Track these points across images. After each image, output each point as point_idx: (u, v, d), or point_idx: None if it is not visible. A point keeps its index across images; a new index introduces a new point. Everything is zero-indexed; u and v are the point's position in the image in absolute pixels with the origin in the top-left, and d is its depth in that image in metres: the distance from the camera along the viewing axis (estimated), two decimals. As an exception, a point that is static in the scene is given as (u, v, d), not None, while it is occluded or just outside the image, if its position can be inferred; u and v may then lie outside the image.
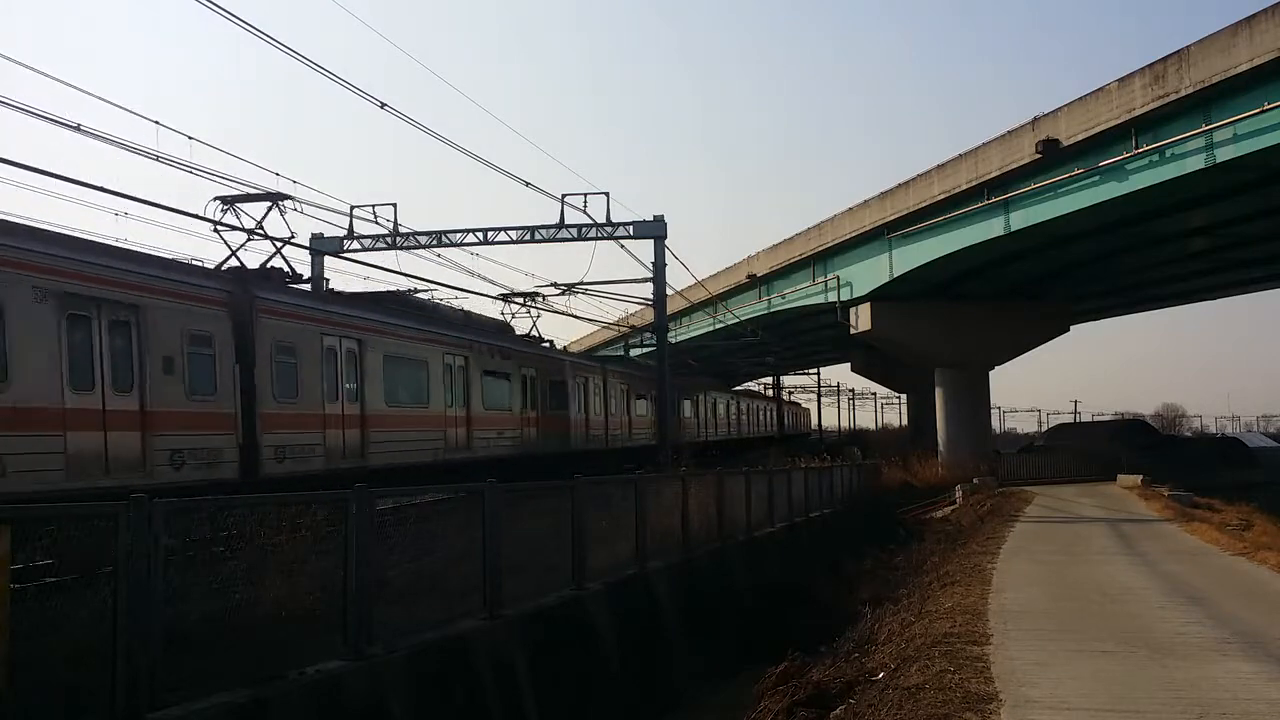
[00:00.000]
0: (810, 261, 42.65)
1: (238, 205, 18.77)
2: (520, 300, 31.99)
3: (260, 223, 18.84)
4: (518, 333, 30.15)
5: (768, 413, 64.91)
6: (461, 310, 26.04)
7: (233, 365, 15.03)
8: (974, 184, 31.59)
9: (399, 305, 21.69)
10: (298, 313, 17.03)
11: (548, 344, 31.08)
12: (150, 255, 15.38)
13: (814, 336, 56.30)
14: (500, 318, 31.01)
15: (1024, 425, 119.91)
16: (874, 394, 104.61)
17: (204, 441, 14.32)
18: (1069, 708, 7.41)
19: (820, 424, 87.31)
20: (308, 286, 19.57)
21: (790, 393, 79.91)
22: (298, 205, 19.95)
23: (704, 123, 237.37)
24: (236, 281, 16.12)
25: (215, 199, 18.69)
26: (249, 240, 19.02)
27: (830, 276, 41.50)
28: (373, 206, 29.45)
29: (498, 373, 24.45)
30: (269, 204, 18.94)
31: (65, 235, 13.86)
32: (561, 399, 28.62)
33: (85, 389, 12.48)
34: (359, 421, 18.15)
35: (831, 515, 28.03)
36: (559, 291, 34.46)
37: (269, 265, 18.48)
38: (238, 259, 18.49)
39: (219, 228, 18.44)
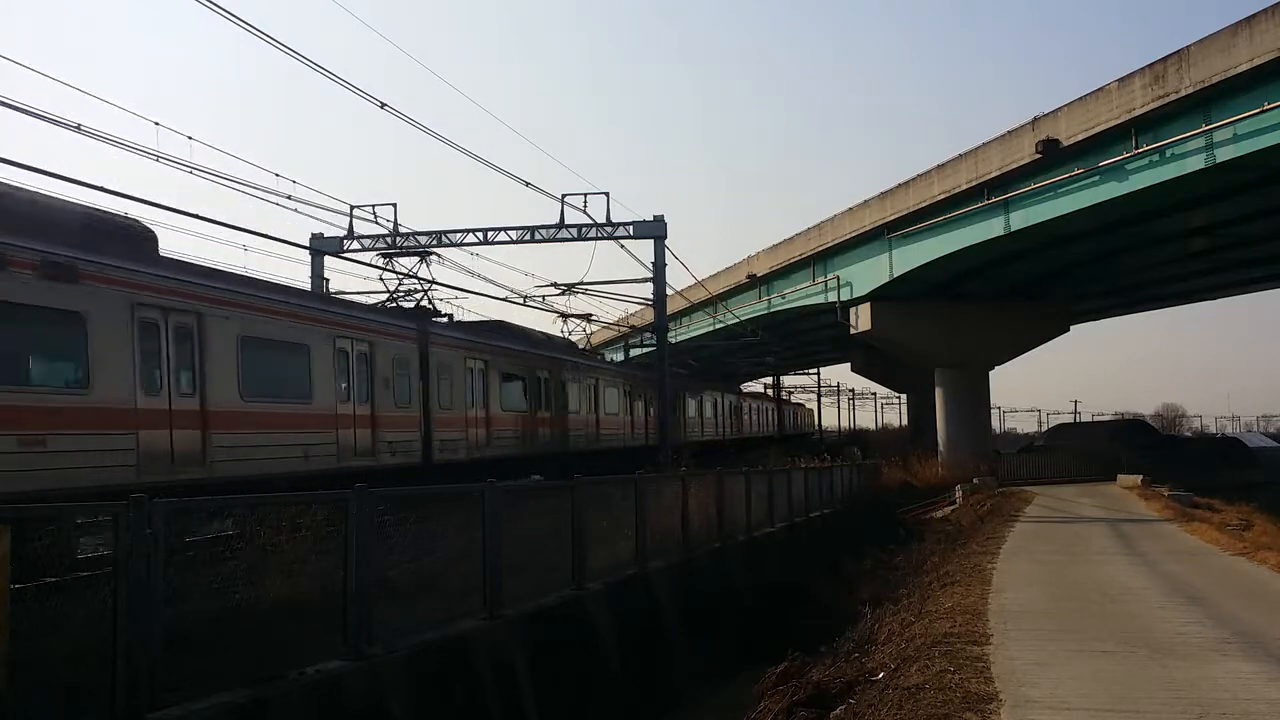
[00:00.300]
0: (810, 261, 42.65)
1: (394, 258, 26.97)
2: (579, 319, 36.73)
3: (413, 271, 25.89)
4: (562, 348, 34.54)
5: (767, 413, 64.93)
6: (543, 334, 31.11)
7: (418, 382, 20.39)
8: (974, 184, 31.59)
9: (496, 330, 26.80)
10: (451, 342, 22.35)
11: (600, 356, 37.48)
12: (374, 305, 22.71)
13: (814, 336, 56.30)
14: (560, 335, 35.65)
15: (1024, 425, 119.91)
16: (874, 394, 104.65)
17: (404, 436, 19.71)
18: (1069, 708, 7.41)
19: (820, 424, 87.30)
20: (446, 319, 24.68)
21: (790, 393, 79.91)
22: (440, 258, 27.39)
23: (704, 123, 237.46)
24: (415, 320, 21.87)
25: (379, 253, 27.38)
26: (401, 285, 25.80)
27: (830, 276, 41.50)
28: (373, 206, 29.51)
29: (572, 383, 29.95)
30: (419, 257, 26.56)
31: (336, 296, 21.72)
32: (615, 403, 34.13)
33: (344, 400, 17.88)
34: (485, 422, 23.41)
35: (831, 515, 28.02)
36: (559, 291, 34.49)
37: (422, 303, 24.97)
38: (394, 299, 25.10)
39: (383, 275, 25.84)
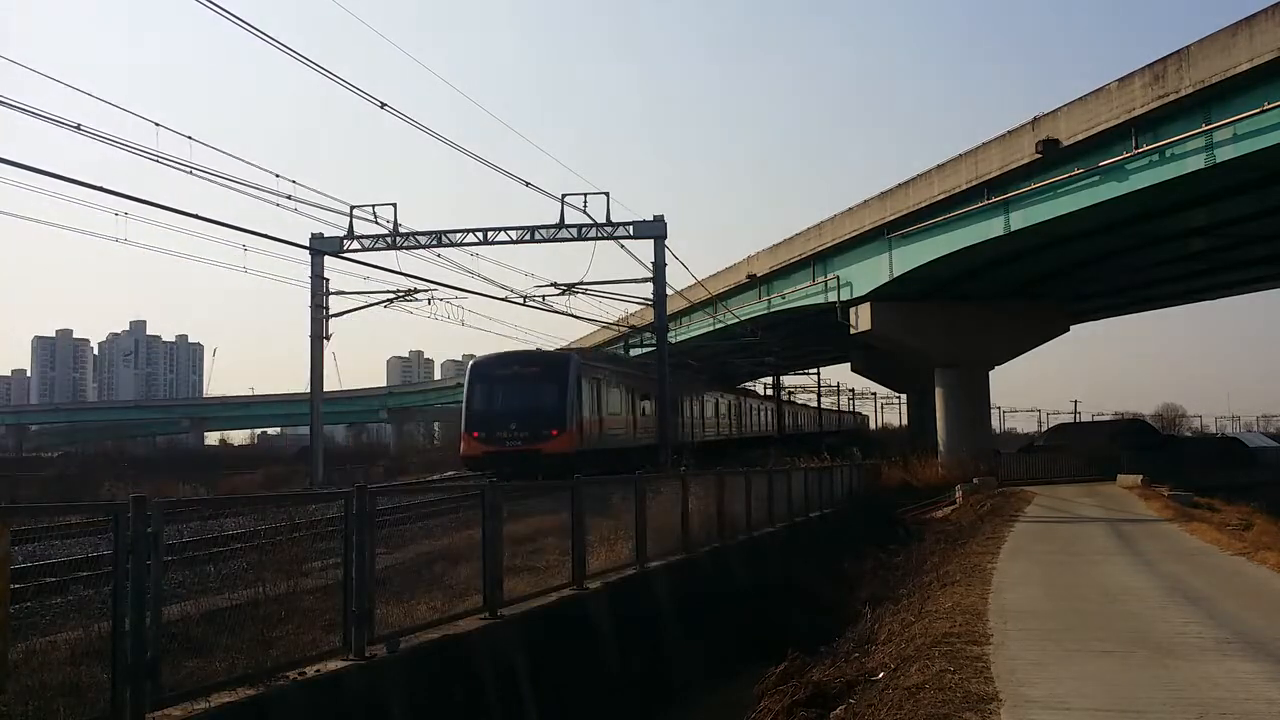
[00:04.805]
0: (810, 261, 42.63)
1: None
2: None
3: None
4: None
5: (767, 413, 65.07)
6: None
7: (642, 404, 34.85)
8: (974, 184, 31.57)
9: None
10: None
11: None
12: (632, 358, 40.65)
13: (814, 336, 56.30)
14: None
15: (1024, 425, 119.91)
16: (874, 394, 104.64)
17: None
18: (1069, 708, 7.41)
19: (821, 424, 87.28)
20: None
21: (791, 393, 79.94)
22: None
23: (704, 122, 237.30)
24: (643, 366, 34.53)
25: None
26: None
27: (830, 276, 41.49)
28: (373, 206, 29.56)
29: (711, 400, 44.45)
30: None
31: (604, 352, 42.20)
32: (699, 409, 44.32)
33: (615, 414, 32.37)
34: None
35: (832, 515, 28.01)
36: (559, 291, 34.48)
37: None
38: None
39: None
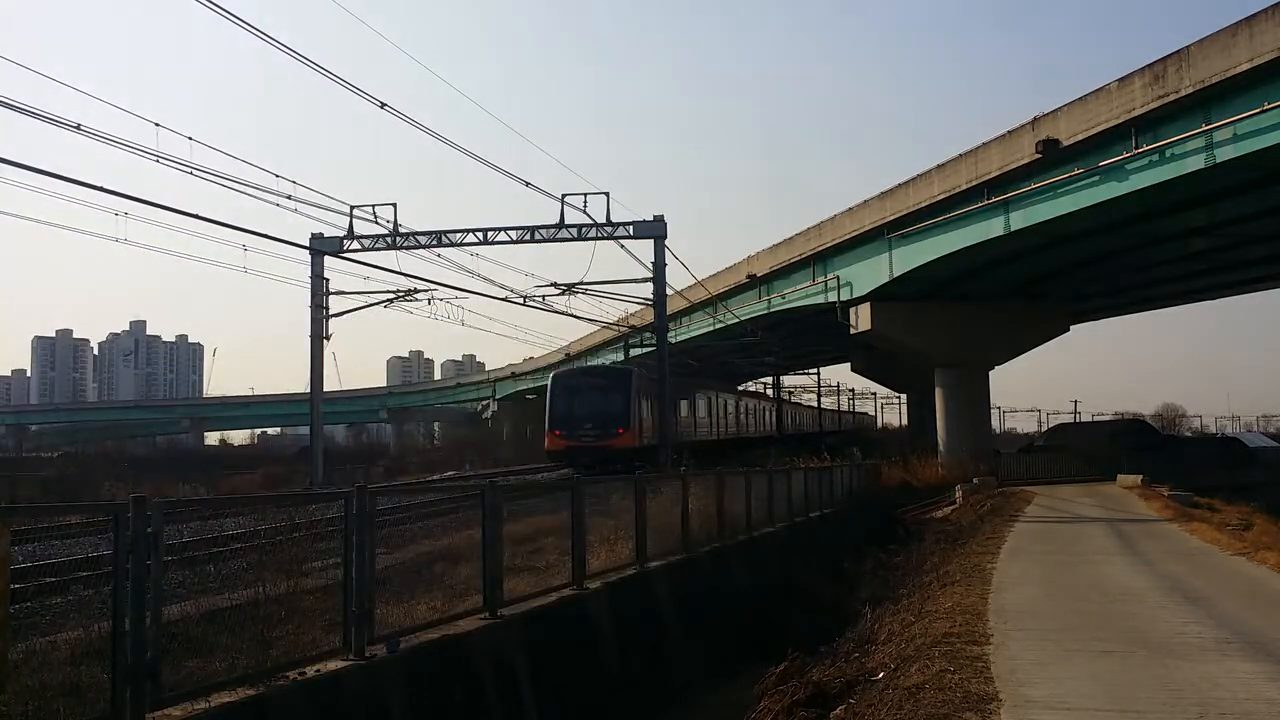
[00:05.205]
0: (810, 261, 42.62)
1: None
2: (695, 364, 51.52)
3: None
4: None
5: (767, 413, 65.19)
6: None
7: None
8: (974, 184, 31.56)
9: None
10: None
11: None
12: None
13: (814, 336, 56.30)
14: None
15: (1024, 425, 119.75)
16: (874, 394, 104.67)
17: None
18: (1069, 708, 7.41)
19: (822, 424, 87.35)
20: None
21: (791, 392, 79.98)
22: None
23: (704, 123, 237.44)
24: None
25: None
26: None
27: (830, 276, 41.48)
28: (373, 206, 29.58)
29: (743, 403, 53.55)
30: None
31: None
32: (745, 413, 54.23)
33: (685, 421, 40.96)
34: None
35: (832, 515, 28.01)
36: (559, 291, 34.49)
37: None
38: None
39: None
